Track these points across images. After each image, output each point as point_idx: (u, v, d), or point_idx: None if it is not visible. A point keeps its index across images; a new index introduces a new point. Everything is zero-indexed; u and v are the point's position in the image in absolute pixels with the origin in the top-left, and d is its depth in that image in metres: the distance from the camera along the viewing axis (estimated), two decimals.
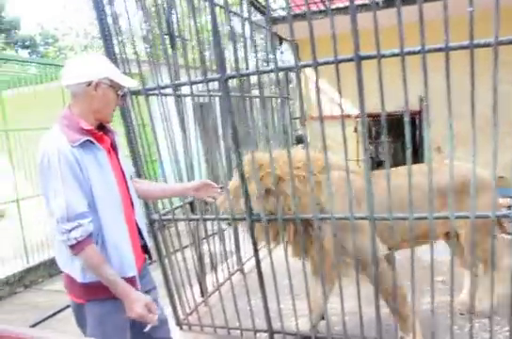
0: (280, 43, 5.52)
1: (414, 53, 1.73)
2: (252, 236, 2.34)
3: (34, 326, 3.92)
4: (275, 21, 5.18)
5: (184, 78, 2.28)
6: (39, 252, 5.11)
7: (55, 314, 3.95)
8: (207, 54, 3.56)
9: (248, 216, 2.30)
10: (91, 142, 1.66)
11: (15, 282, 4.76)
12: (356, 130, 6.23)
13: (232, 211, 2.35)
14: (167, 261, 2.72)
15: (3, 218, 6.66)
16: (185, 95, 2.70)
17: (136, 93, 2.38)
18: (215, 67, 3.72)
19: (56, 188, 1.55)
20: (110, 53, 2.35)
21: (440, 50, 1.68)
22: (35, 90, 5.43)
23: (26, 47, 23.96)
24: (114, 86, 1.72)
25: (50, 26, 24.72)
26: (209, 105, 2.67)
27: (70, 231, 1.55)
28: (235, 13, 3.30)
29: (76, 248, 1.57)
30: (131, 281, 1.72)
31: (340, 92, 1.94)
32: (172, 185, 2.28)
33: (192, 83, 2.18)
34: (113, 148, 1.81)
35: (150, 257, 1.96)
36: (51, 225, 1.62)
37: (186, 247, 2.75)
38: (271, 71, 2.09)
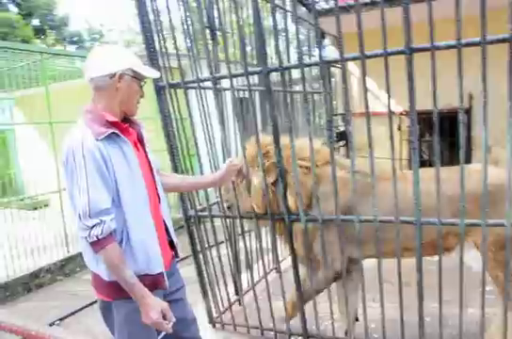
0: (322, 38, 5.37)
1: (473, 44, 1.59)
2: (290, 236, 2.26)
3: (73, 313, 4.04)
4: (318, 14, 5.04)
5: (224, 72, 2.22)
6: (78, 242, 5.22)
7: (91, 304, 4.03)
8: (248, 48, 3.49)
9: (286, 216, 2.22)
10: (117, 135, 1.63)
11: (56, 270, 4.90)
12: (400, 128, 6.00)
13: (271, 210, 2.27)
14: (201, 257, 2.68)
15: (47, 208, 6.90)
16: (225, 89, 2.64)
17: (174, 86, 2.34)
18: (255, 62, 3.72)
19: (81, 185, 1.52)
20: (150, 47, 2.31)
21: (503, 41, 1.53)
22: (79, 83, 5.57)
23: (74, 43, 24.74)
24: (137, 77, 1.69)
25: (96, 23, 25.49)
26: (249, 100, 2.60)
27: (91, 227, 1.52)
28: (278, 6, 3.21)
29: (97, 245, 1.54)
30: (158, 277, 1.69)
31: (388, 88, 1.81)
32: (202, 176, 2.21)
33: (232, 76, 2.10)
34: (139, 141, 1.78)
35: (176, 254, 1.91)
36: (75, 222, 1.60)
37: (222, 243, 2.70)
38: (315, 64, 2.00)
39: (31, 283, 4.66)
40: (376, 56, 1.79)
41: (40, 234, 5.02)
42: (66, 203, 5.08)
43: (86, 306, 4.10)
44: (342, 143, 6.15)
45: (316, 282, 2.32)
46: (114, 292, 1.64)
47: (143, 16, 2.27)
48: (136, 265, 1.62)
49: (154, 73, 1.80)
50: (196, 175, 2.46)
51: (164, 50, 2.33)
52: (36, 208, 7.16)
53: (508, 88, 1.60)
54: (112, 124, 1.63)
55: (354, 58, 1.86)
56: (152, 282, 1.68)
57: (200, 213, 2.56)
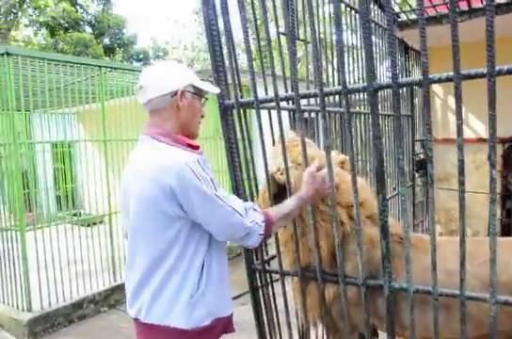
0: (406, 52, 4.74)
1: None
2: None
3: None
4: (402, 26, 4.46)
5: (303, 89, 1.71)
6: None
7: None
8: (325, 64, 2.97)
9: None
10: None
11: (100, 300, 4.51)
12: (490, 157, 5.20)
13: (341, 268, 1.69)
14: (266, 321, 2.13)
15: (101, 224, 6.65)
16: (305, 110, 2.12)
17: (245, 105, 1.84)
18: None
19: (220, 195, 1.45)
20: (217, 59, 1.85)
21: None
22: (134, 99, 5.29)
23: (140, 60, 25.54)
24: (198, 93, 1.57)
25: (161, 40, 26.27)
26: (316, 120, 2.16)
27: (253, 224, 1.48)
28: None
29: (268, 226, 1.52)
30: (228, 320, 1.60)
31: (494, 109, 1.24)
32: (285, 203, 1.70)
33: (325, 94, 1.57)
34: None
35: None
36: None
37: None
38: (417, 83, 1.42)
39: (73, 314, 4.28)
40: (475, 76, 1.24)
41: (88, 255, 4.65)
42: (116, 224, 4.78)
43: None
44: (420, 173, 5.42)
45: None
46: None
47: (211, 22, 1.81)
48: (209, 303, 1.50)
49: (216, 89, 1.65)
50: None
51: (232, 64, 1.86)
52: (89, 225, 6.96)
53: None
54: (193, 148, 1.54)
55: (468, 77, 1.29)
56: (224, 326, 1.58)
57: (269, 267, 2.02)
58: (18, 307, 4.04)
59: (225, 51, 1.88)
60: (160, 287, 1.49)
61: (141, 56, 25.68)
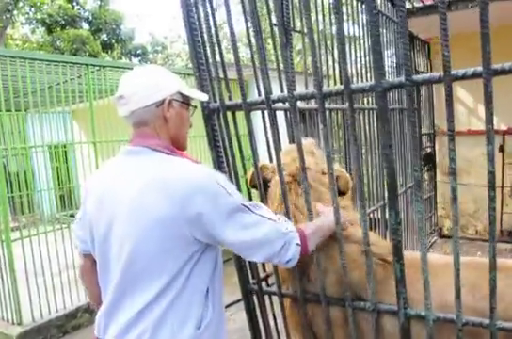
0: (411, 42, 4.48)
1: None
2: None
3: None
4: (407, 14, 4.19)
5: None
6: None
7: None
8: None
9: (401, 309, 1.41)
10: None
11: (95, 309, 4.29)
12: (502, 149, 4.94)
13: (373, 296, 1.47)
14: None
15: None
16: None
17: (232, 108, 1.61)
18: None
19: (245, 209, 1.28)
20: (199, 61, 1.61)
21: None
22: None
23: (138, 55, 25.23)
24: (186, 102, 1.39)
25: (160, 35, 25.90)
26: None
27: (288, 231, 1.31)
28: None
29: (303, 237, 1.35)
30: None
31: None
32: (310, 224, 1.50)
33: (324, 95, 1.33)
34: None
35: None
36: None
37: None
38: (437, 81, 1.18)
39: (67, 325, 4.07)
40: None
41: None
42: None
43: None
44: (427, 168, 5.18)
45: None
46: None
47: (189, 9, 1.57)
48: (213, 331, 1.33)
49: (204, 96, 1.48)
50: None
51: (215, 59, 1.62)
52: None
53: None
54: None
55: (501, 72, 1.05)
56: None
57: (267, 288, 1.79)
58: (8, 320, 3.84)
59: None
60: (159, 322, 1.26)
61: (139, 52, 25.36)
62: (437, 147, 5.30)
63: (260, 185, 1.62)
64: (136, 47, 25.31)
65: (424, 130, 5.03)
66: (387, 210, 1.34)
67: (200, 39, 1.60)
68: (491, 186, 1.16)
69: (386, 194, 1.33)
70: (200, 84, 1.62)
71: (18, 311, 3.75)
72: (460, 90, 4.97)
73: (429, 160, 5.15)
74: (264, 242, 1.27)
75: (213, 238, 1.27)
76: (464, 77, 1.12)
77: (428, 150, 5.14)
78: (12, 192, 4.74)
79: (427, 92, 5.06)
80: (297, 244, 1.32)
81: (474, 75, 1.10)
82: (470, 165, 4.94)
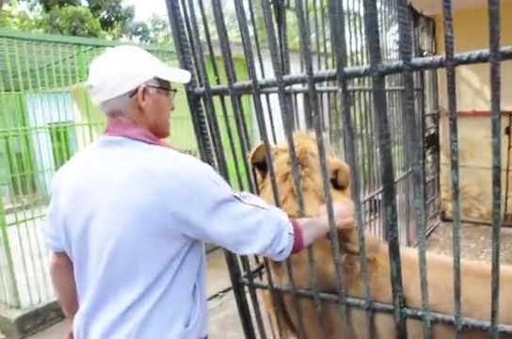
0: (415, 19, 4.29)
1: None
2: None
3: None
4: None
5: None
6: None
7: None
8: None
9: (397, 306, 1.34)
10: None
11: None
12: (508, 131, 4.80)
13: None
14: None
15: None
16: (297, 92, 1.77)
17: (218, 93, 1.49)
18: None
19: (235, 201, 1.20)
20: (182, 42, 1.49)
21: None
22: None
23: (138, 33, 24.77)
24: (164, 87, 1.26)
25: (161, 13, 25.35)
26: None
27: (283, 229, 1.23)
28: None
29: (296, 228, 1.26)
30: None
31: None
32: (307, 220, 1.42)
33: (315, 79, 1.21)
34: None
35: None
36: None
37: None
38: (438, 65, 1.06)
39: None
40: None
41: None
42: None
43: None
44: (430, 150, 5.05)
45: None
46: None
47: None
48: (199, 327, 1.28)
49: (184, 76, 1.33)
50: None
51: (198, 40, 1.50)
52: None
53: None
54: None
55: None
56: None
57: (257, 281, 1.72)
58: (7, 304, 3.83)
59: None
60: (146, 321, 1.20)
61: (139, 30, 24.91)
62: (441, 128, 5.16)
63: (269, 164, 1.50)
64: (136, 25, 24.81)
65: (428, 110, 4.88)
66: (383, 203, 1.24)
67: (183, 16, 1.48)
68: (496, 182, 1.06)
69: (382, 186, 1.22)
70: (185, 67, 1.50)
71: (16, 294, 3.74)
72: (464, 70, 4.79)
73: (433, 142, 5.02)
74: (257, 231, 1.19)
75: (203, 234, 1.19)
76: (468, 61, 1.00)
77: (432, 131, 5.00)
78: (13, 173, 4.73)
79: (432, 72, 4.88)
80: (290, 233, 1.24)
81: (480, 59, 0.98)
82: (473, 146, 4.81)
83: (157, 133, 1.29)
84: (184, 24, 1.47)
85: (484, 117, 4.75)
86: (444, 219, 5.30)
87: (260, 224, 1.20)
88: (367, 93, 3.08)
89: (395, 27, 4.13)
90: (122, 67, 1.19)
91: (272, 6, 1.90)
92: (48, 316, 3.91)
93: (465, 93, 4.92)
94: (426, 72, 4.67)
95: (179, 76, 1.31)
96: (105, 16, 23.36)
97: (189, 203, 1.13)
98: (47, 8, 19.66)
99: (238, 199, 1.21)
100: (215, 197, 1.16)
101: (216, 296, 3.79)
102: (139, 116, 1.23)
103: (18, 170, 4.17)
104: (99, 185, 1.20)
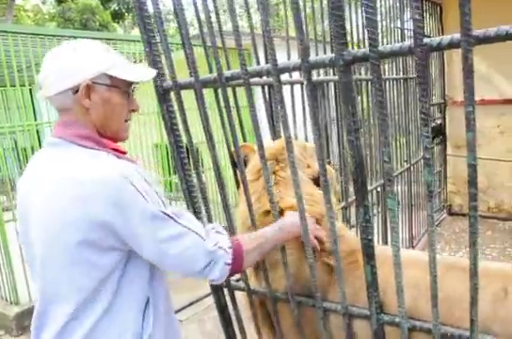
0: (420, 6, 4.11)
1: None
2: None
3: None
4: None
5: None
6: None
7: None
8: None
9: (373, 312, 1.26)
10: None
11: None
12: None
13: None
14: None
15: None
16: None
17: (186, 87, 1.41)
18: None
19: (163, 217, 1.10)
20: (148, 34, 1.41)
21: None
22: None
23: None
24: (117, 85, 1.16)
25: (171, 3, 25.25)
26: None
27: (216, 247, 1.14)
28: None
29: (238, 255, 1.17)
30: None
31: None
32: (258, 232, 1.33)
33: (280, 70, 1.13)
34: None
35: None
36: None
37: None
38: (404, 53, 0.96)
39: None
40: None
41: None
42: None
43: None
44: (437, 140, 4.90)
45: None
46: None
47: None
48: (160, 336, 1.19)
49: (145, 75, 1.22)
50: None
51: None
52: None
53: None
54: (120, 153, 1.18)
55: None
56: None
57: (236, 283, 1.65)
58: (6, 299, 3.84)
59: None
60: (90, 336, 1.12)
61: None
62: (447, 118, 5.00)
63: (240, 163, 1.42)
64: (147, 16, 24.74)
65: (434, 100, 4.73)
66: (354, 206, 1.15)
67: (151, 6, 1.40)
68: (472, 182, 0.96)
69: (353, 186, 1.14)
70: (152, 60, 1.42)
71: (14, 290, 3.74)
72: (476, 58, 4.62)
73: (439, 132, 4.87)
74: (184, 258, 1.10)
75: (131, 247, 1.11)
76: (439, 48, 0.91)
77: (438, 121, 4.84)
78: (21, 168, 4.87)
79: (439, 60, 4.72)
80: (227, 263, 1.15)
81: (451, 45, 0.89)
82: (481, 136, 4.63)
83: (110, 135, 1.20)
84: (153, 14, 1.39)
85: (493, 105, 4.58)
86: (451, 213, 5.15)
87: (190, 250, 1.10)
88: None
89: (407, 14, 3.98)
90: (63, 62, 1.12)
91: None
92: None
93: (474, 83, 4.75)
94: (432, 58, 4.51)
95: (136, 74, 1.20)
96: (116, 8, 23.32)
97: (113, 217, 1.04)
98: (59, 2, 19.72)
99: (170, 217, 1.10)
100: (142, 213, 1.06)
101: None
102: (84, 115, 1.15)
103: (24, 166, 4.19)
104: (31, 194, 1.15)
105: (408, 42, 0.96)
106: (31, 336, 1.24)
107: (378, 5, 3.29)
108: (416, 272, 1.34)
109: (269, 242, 1.28)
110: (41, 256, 1.11)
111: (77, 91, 1.12)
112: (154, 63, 1.42)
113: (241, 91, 1.55)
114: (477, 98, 4.67)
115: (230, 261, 1.15)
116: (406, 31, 3.81)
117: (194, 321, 3.28)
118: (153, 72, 1.26)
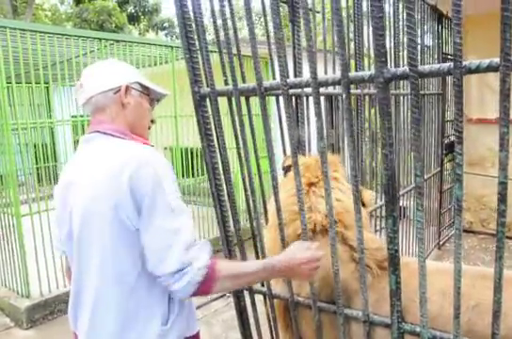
0: (439, 21, 4.17)
1: None
2: None
3: None
4: None
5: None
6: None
7: None
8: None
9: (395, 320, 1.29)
10: None
11: None
12: None
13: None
14: None
15: None
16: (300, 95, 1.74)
17: (223, 94, 1.47)
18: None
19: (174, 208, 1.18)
20: (189, 41, 1.47)
21: None
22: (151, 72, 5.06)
23: (164, 29, 24.94)
24: (145, 93, 1.37)
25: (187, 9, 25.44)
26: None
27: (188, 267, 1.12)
28: None
29: (210, 277, 1.14)
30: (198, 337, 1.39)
31: None
32: (243, 263, 1.41)
33: (320, 84, 1.18)
34: None
35: None
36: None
37: None
38: (445, 73, 1.01)
39: None
40: None
41: None
42: None
43: None
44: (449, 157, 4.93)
45: None
46: None
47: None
48: (181, 326, 1.27)
49: (164, 90, 1.45)
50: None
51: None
52: None
53: None
54: None
55: None
56: None
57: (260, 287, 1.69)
58: (18, 292, 3.89)
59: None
60: (121, 323, 1.21)
61: (166, 25, 25.08)
62: (463, 135, 5.02)
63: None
64: (162, 20, 24.98)
65: (448, 116, 4.77)
66: (384, 215, 1.20)
67: (192, 15, 1.45)
68: (502, 199, 1.00)
69: (384, 198, 1.18)
70: (191, 66, 1.48)
71: (26, 284, 3.80)
72: (490, 76, 4.66)
73: (452, 149, 4.89)
74: (162, 252, 1.13)
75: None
76: (478, 71, 0.95)
77: (452, 138, 4.87)
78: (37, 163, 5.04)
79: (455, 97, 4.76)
80: (196, 282, 1.12)
81: (490, 68, 0.93)
82: (495, 155, 4.66)
83: (134, 133, 1.33)
84: (193, 23, 1.45)
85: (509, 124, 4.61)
86: None
87: (169, 248, 1.13)
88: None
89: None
90: (108, 68, 1.34)
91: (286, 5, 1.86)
92: (57, 307, 3.96)
93: (490, 100, 4.79)
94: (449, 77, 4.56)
95: (158, 88, 1.41)
96: (132, 11, 23.61)
97: (147, 197, 1.13)
98: (77, 2, 20.00)
99: (173, 211, 1.16)
100: (168, 201, 1.15)
101: (222, 296, 3.78)
102: (119, 112, 1.30)
103: (42, 161, 4.31)
104: (74, 185, 1.25)
105: (447, 64, 1.00)
106: (69, 314, 1.33)
107: (401, 22, 3.34)
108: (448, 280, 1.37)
109: (248, 277, 1.24)
110: (79, 234, 1.22)
111: (117, 91, 1.29)
112: (193, 69, 1.48)
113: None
114: (492, 116, 4.73)
115: (200, 279, 1.12)
116: (424, 47, 3.87)
117: (202, 323, 3.32)
118: (168, 92, 1.46)
